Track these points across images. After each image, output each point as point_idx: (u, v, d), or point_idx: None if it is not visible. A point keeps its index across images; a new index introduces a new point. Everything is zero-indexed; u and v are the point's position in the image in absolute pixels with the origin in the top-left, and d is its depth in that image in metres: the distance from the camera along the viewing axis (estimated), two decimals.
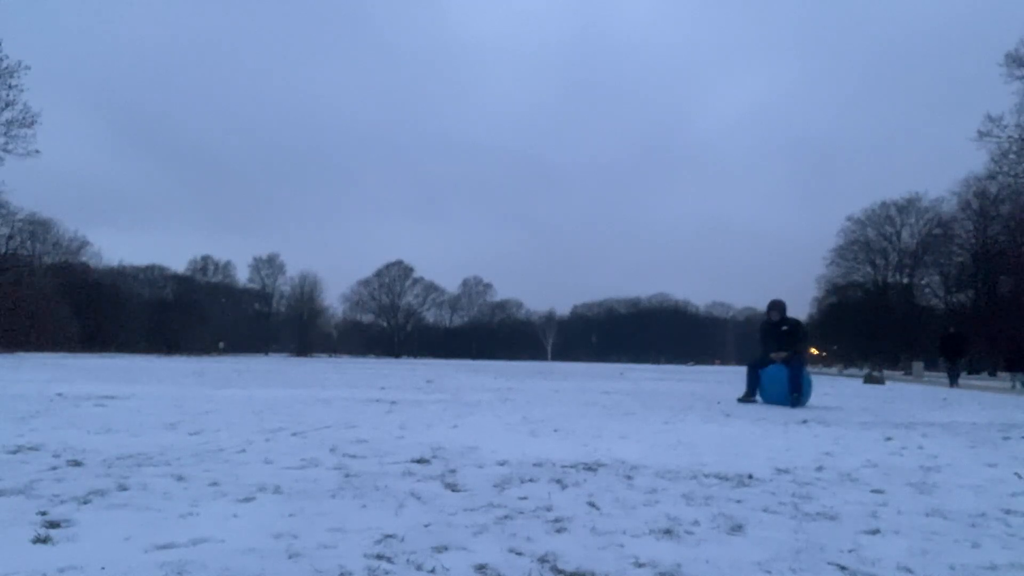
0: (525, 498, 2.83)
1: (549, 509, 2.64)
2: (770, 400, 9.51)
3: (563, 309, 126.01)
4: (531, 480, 3.25)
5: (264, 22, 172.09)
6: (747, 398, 9.76)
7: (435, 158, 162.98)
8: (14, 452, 3.67)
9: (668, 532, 2.32)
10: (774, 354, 9.49)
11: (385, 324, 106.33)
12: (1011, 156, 37.11)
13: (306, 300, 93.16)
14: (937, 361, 45.46)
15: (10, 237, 49.46)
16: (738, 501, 2.88)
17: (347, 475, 3.25)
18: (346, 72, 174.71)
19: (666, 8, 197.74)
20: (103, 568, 1.77)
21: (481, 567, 1.89)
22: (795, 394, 8.96)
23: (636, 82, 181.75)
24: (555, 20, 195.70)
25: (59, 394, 8.02)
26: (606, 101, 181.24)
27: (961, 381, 22.44)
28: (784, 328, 9.64)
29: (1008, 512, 2.81)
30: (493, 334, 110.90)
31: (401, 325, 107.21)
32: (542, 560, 1.97)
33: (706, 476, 3.50)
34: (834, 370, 59.49)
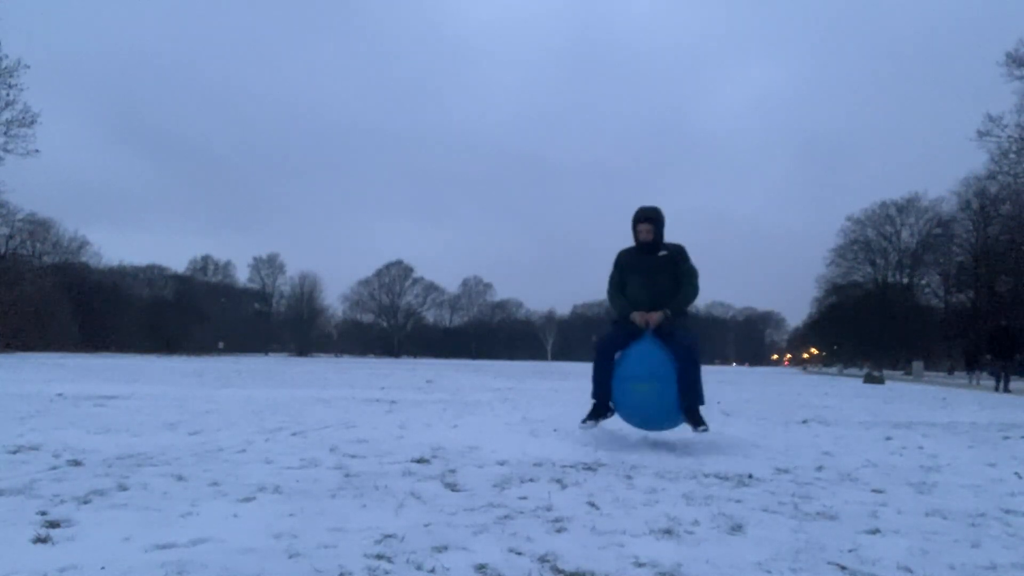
0: (525, 498, 2.84)
1: (549, 509, 2.64)
2: (637, 412, 4.62)
3: (563, 309, 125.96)
4: (531, 480, 3.25)
5: (263, 20, 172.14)
6: (596, 415, 4.79)
7: (435, 157, 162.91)
8: (14, 452, 3.67)
9: (668, 532, 2.32)
10: (638, 314, 4.64)
11: (385, 324, 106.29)
12: (1011, 156, 37.09)
13: (306, 300, 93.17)
14: (939, 361, 45.50)
15: (10, 237, 49.48)
16: (738, 501, 2.88)
17: (347, 475, 3.25)
18: (346, 71, 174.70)
19: (668, 2, 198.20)
20: (103, 568, 1.77)
21: (481, 567, 1.89)
22: (692, 409, 4.51)
23: (638, 78, 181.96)
24: (556, 14, 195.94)
25: (59, 394, 8.02)
26: (608, 97, 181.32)
27: (1014, 384, 18.02)
28: (662, 254, 4.80)
29: (1008, 512, 2.81)
30: (493, 334, 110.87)
31: (401, 325, 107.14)
32: (542, 560, 1.97)
33: (706, 476, 3.50)
34: (834, 370, 59.51)
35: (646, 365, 4.47)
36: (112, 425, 5.07)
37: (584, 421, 4.82)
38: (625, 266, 4.89)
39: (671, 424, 4.67)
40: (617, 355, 4.72)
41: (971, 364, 27.85)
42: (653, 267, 4.77)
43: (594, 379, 4.79)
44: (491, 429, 5.35)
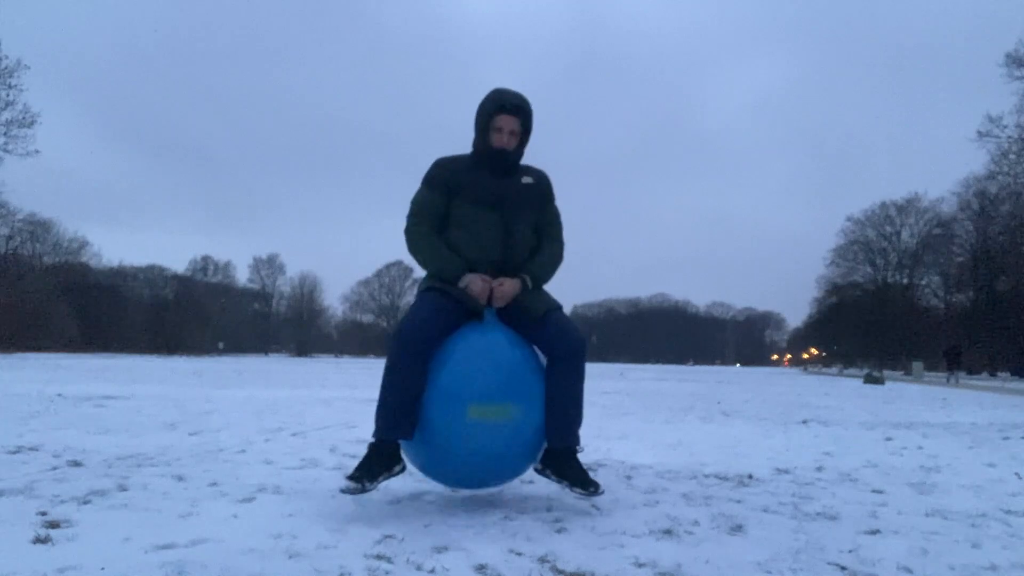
0: (525, 498, 2.84)
1: (549, 509, 2.64)
2: (475, 461, 2.52)
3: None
4: (531, 480, 3.25)
5: (264, 20, 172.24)
6: (380, 466, 2.47)
7: (435, 156, 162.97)
8: (14, 452, 3.67)
9: (668, 532, 2.32)
10: (477, 278, 2.66)
11: (385, 324, 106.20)
12: (1011, 156, 37.11)
13: (306, 300, 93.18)
14: (939, 361, 45.60)
15: (10, 237, 49.47)
16: (738, 501, 2.88)
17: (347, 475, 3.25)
18: (346, 71, 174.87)
19: None
20: (103, 568, 1.77)
21: (481, 567, 1.88)
22: (567, 456, 2.62)
23: (638, 75, 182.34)
24: (556, 13, 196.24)
25: (59, 394, 8.02)
26: (608, 95, 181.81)
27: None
28: (527, 181, 2.81)
29: (1008, 512, 2.81)
30: None
31: None
32: (542, 560, 1.96)
33: (706, 476, 3.50)
34: (834, 370, 59.49)
35: (502, 372, 2.53)
36: (112, 425, 5.07)
37: (350, 480, 2.41)
38: (457, 189, 2.71)
39: (516, 474, 2.72)
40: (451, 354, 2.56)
41: (952, 364, 28.58)
42: (510, 198, 2.73)
43: (390, 394, 2.50)
44: None
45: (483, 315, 2.64)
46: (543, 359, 2.69)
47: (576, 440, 2.66)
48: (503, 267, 2.72)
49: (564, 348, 2.63)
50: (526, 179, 2.81)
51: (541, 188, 2.86)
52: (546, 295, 2.78)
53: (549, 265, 2.84)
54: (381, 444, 2.51)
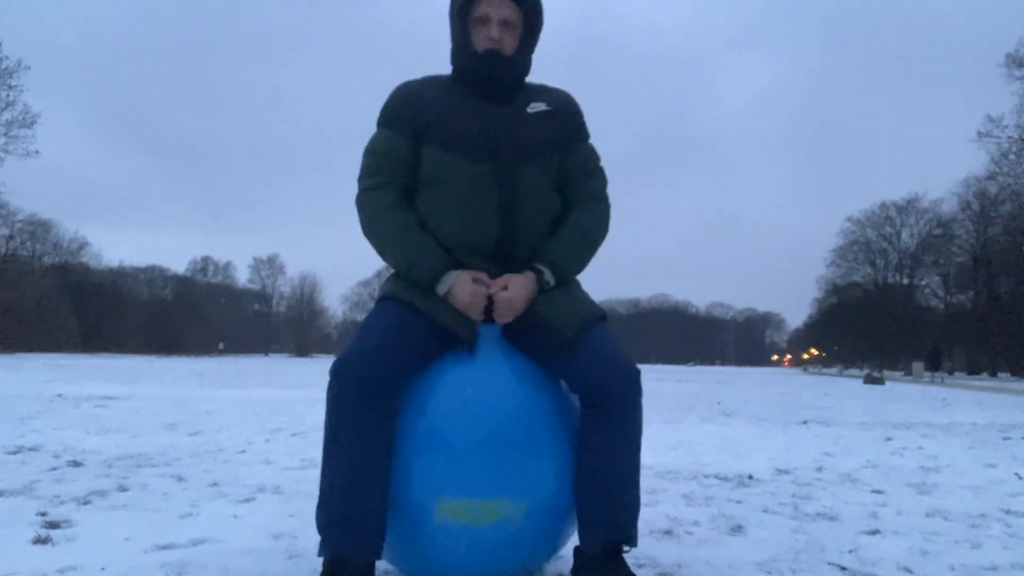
0: None
1: None
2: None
3: None
4: None
5: (263, 20, 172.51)
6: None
7: None
8: (14, 452, 3.67)
9: (668, 532, 2.32)
10: (458, 282, 1.61)
11: None
12: (1011, 156, 37.20)
13: (306, 301, 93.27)
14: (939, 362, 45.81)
15: (10, 238, 49.50)
16: (738, 501, 2.88)
17: None
18: (346, 69, 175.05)
19: None
20: (103, 568, 1.77)
21: None
22: (606, 527, 1.61)
23: (638, 74, 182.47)
24: (555, 9, 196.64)
25: (59, 394, 8.03)
26: (607, 93, 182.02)
27: None
28: (537, 109, 1.73)
29: (1008, 512, 2.81)
30: None
31: None
32: None
33: (706, 476, 3.50)
34: (834, 371, 59.52)
35: (496, 444, 1.54)
36: (112, 426, 5.07)
37: None
38: (428, 127, 1.71)
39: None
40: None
41: (934, 364, 29.36)
42: (511, 136, 1.71)
43: (337, 480, 1.50)
44: None
45: (474, 344, 1.63)
46: (574, 402, 1.69)
47: (628, 534, 1.65)
48: (504, 254, 1.69)
49: (609, 387, 1.59)
50: (536, 105, 1.76)
51: (565, 117, 1.80)
52: (580, 298, 1.75)
53: (582, 244, 1.77)
54: (338, 565, 1.47)
